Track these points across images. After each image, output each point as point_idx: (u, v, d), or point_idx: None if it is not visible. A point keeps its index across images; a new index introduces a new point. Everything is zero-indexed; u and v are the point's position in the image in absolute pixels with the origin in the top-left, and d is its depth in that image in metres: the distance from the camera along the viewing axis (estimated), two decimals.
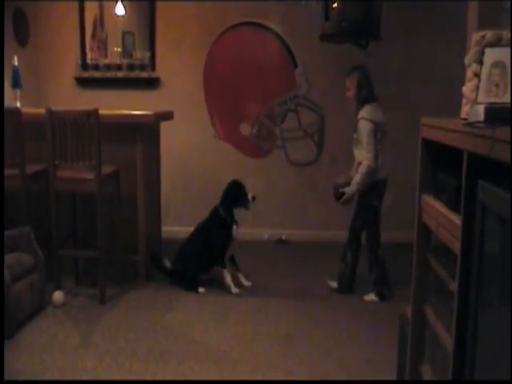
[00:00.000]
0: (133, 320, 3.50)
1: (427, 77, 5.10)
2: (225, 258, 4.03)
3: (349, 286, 3.99)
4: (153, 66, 5.33)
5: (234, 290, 3.93)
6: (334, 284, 4.05)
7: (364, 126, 3.71)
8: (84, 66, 5.35)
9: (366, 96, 3.78)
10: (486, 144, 1.34)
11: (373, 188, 3.80)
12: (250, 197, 4.02)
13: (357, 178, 3.73)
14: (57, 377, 2.79)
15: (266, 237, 5.33)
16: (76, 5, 5.26)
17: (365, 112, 3.74)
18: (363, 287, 3.97)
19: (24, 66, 4.77)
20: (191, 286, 3.98)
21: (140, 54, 5.32)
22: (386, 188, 3.89)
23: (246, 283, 4.09)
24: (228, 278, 3.97)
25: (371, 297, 3.89)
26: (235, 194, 4.05)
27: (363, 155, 3.72)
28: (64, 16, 5.31)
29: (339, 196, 3.87)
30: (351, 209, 4.01)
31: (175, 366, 2.93)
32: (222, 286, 4.08)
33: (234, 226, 4.04)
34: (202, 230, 4.16)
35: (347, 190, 3.80)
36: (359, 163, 3.79)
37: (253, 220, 5.42)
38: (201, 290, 3.97)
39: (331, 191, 3.99)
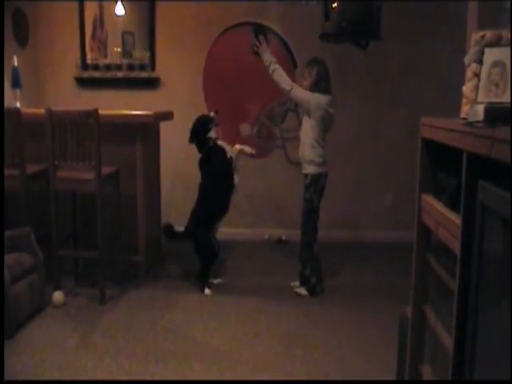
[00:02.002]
0: (133, 320, 3.50)
1: (427, 77, 5.10)
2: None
3: (319, 288, 4.00)
4: (152, 66, 5.33)
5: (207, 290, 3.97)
6: (302, 290, 4.02)
7: (309, 96, 3.79)
8: (84, 66, 5.35)
9: (321, 89, 3.83)
10: (486, 144, 1.34)
11: (314, 180, 3.84)
12: (212, 114, 4.08)
13: (273, 60, 3.84)
14: (56, 377, 2.79)
15: (266, 237, 5.33)
16: (76, 5, 5.26)
17: (318, 95, 3.81)
18: (365, 286, 3.97)
19: (24, 66, 4.77)
20: (209, 256, 4.01)
21: (140, 54, 5.32)
22: (326, 182, 3.92)
23: (215, 281, 4.12)
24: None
25: (300, 290, 3.95)
26: (197, 123, 4.07)
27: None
28: (64, 16, 5.31)
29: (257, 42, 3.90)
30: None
31: (175, 366, 2.93)
32: (221, 287, 4.09)
33: (219, 142, 4.06)
34: (201, 184, 4.13)
35: (262, 49, 3.86)
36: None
37: (253, 220, 5.43)
38: (207, 291, 3.95)
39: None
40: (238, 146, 4.10)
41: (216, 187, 4.07)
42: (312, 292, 3.93)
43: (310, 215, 3.90)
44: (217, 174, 4.06)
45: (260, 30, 3.94)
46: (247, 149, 4.11)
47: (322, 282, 3.98)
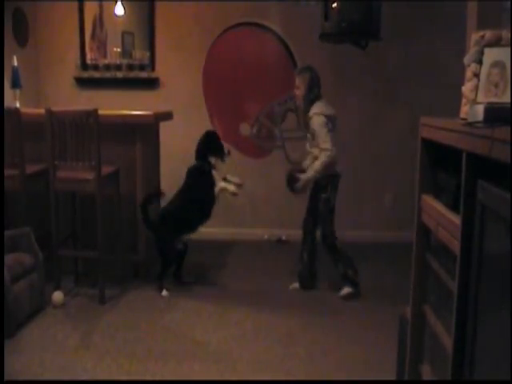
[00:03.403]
0: (132, 320, 3.50)
1: (427, 77, 5.10)
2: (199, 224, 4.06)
3: (311, 283, 4.04)
4: (152, 66, 5.33)
5: (165, 292, 3.93)
6: (296, 285, 4.06)
7: (317, 121, 3.74)
8: (83, 66, 5.35)
9: (315, 95, 3.83)
10: (486, 144, 1.34)
11: (329, 181, 3.81)
12: (226, 150, 4.05)
13: (316, 164, 3.73)
14: (56, 377, 2.79)
15: (266, 237, 5.33)
16: (75, 5, 5.26)
17: (316, 108, 3.79)
18: (364, 286, 3.96)
19: (23, 66, 4.77)
20: (160, 276, 3.97)
21: (139, 54, 5.32)
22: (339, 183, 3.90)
23: (237, 180, 4.10)
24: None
25: (346, 290, 3.90)
26: (210, 143, 4.04)
27: (321, 147, 3.72)
28: (63, 16, 5.31)
29: (293, 181, 3.85)
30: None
31: (175, 366, 2.93)
32: (221, 287, 4.09)
33: (213, 171, 4.02)
34: (182, 190, 4.08)
35: (303, 176, 3.80)
36: (315, 158, 3.79)
37: (253, 220, 5.43)
38: (164, 293, 3.92)
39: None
40: (222, 184, 4.03)
41: (195, 202, 4.04)
42: (355, 285, 3.89)
43: (329, 215, 3.86)
44: (198, 196, 4.04)
45: (291, 179, 3.90)
46: (231, 188, 4.03)
47: (358, 273, 3.93)
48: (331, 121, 3.81)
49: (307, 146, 3.94)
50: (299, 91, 3.88)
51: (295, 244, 5.18)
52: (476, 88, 1.75)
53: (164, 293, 3.91)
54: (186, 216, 4.02)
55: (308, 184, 3.84)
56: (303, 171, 3.86)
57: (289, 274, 4.25)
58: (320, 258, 4.06)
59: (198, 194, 4.03)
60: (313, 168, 3.75)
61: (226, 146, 4.16)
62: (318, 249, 4.02)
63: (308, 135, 3.90)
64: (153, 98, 5.26)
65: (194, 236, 4.14)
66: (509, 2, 2.82)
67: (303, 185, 3.82)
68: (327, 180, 3.81)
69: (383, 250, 4.94)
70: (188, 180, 4.08)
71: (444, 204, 1.87)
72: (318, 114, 3.77)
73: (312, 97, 3.82)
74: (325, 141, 3.70)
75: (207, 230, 5.18)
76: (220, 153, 4.04)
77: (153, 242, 4.04)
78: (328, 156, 3.69)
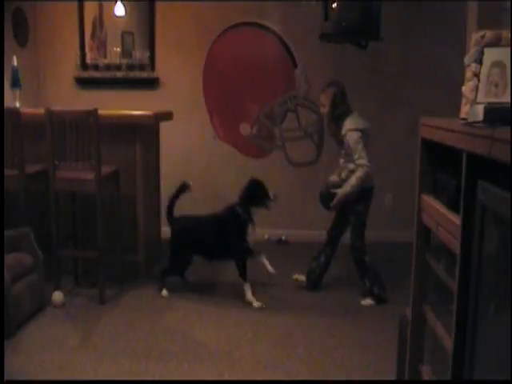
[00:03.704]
0: (132, 320, 3.50)
1: (427, 77, 5.10)
2: (246, 271, 3.83)
3: (315, 283, 4.05)
4: (152, 66, 5.33)
5: (257, 303, 3.75)
6: (302, 278, 4.09)
7: (352, 137, 3.67)
8: (83, 66, 5.35)
9: (342, 112, 3.75)
10: (486, 144, 1.34)
11: (363, 195, 3.75)
12: (271, 195, 3.87)
13: (352, 180, 3.68)
14: (56, 377, 2.79)
15: (266, 237, 5.33)
16: (75, 5, 5.26)
17: (349, 124, 3.72)
18: (356, 290, 3.97)
19: (23, 66, 4.77)
20: (164, 275, 3.94)
21: (139, 54, 5.31)
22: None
23: (271, 270, 3.87)
24: (249, 295, 3.78)
25: (368, 302, 3.85)
26: (256, 193, 3.85)
27: (358, 163, 3.67)
28: (63, 16, 5.31)
29: (328, 199, 3.79)
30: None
31: (175, 366, 2.93)
32: (221, 287, 4.09)
33: (250, 225, 3.84)
34: (212, 220, 3.94)
35: (340, 191, 3.73)
36: (351, 172, 3.74)
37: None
38: (164, 292, 3.90)
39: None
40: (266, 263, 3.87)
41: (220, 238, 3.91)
42: (378, 301, 3.83)
43: (361, 228, 3.81)
44: (224, 237, 3.89)
45: (325, 197, 3.86)
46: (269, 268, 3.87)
47: (385, 287, 3.86)
48: (365, 134, 3.74)
49: (341, 161, 3.86)
50: (324, 108, 3.81)
51: (295, 244, 5.19)
52: (476, 88, 1.75)
53: (164, 292, 3.90)
54: (205, 241, 3.93)
55: (344, 199, 3.74)
56: (336, 186, 3.80)
57: (289, 273, 4.24)
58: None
59: (226, 236, 3.87)
60: (350, 183, 3.68)
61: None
62: (337, 256, 4.02)
63: (342, 151, 3.81)
64: (153, 98, 5.26)
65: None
66: (509, 2, 2.82)
67: (340, 201, 3.74)
68: (361, 193, 3.73)
69: (383, 249, 4.94)
70: (222, 216, 3.92)
71: (444, 204, 1.87)
72: (352, 130, 3.68)
73: (338, 113, 3.74)
74: (361, 156, 3.65)
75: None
76: (265, 201, 3.86)
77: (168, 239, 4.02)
78: (365, 171, 3.65)
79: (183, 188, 4.05)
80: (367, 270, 3.85)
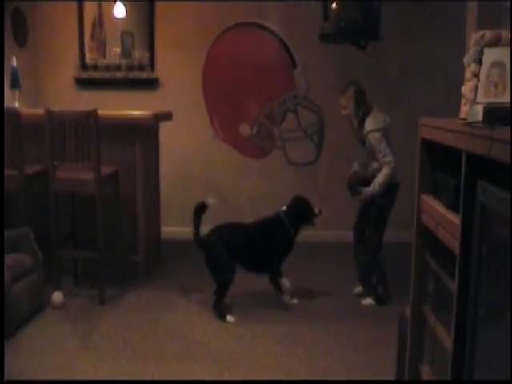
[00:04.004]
0: (132, 320, 3.50)
1: (426, 77, 5.10)
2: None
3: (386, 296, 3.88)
4: (152, 67, 5.33)
5: (294, 300, 3.77)
6: (359, 289, 3.96)
7: (374, 138, 3.66)
8: (83, 66, 5.35)
9: (365, 110, 3.73)
10: (485, 144, 1.34)
11: (389, 191, 3.72)
12: (316, 211, 3.81)
13: (380, 178, 3.66)
14: (56, 377, 2.78)
15: None
16: (75, 5, 5.26)
17: (370, 124, 3.69)
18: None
19: (23, 67, 4.77)
20: (222, 290, 3.60)
21: (139, 55, 5.31)
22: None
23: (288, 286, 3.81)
24: (287, 284, 3.75)
25: (368, 301, 3.84)
26: (302, 211, 3.78)
27: (383, 161, 3.66)
28: (63, 16, 5.31)
29: (355, 192, 3.80)
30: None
31: (175, 366, 2.93)
32: None
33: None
34: (260, 229, 3.78)
35: (367, 190, 3.71)
36: (375, 170, 3.72)
37: (253, 220, 5.42)
38: (229, 318, 3.52)
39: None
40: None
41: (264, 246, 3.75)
42: (379, 301, 3.81)
43: (381, 223, 3.79)
44: (268, 245, 3.76)
45: (353, 189, 3.83)
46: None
47: (388, 289, 3.84)
48: (386, 131, 3.71)
49: (365, 160, 3.85)
50: (347, 110, 3.77)
51: (295, 244, 5.18)
52: (476, 88, 1.75)
53: (229, 318, 3.53)
54: (248, 250, 3.74)
55: (370, 197, 3.72)
56: (362, 180, 3.78)
57: (289, 273, 4.24)
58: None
59: (273, 249, 3.76)
60: (377, 181, 3.66)
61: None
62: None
63: (366, 150, 3.79)
64: (153, 98, 5.26)
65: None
66: (509, 2, 2.82)
67: (367, 198, 3.73)
68: (387, 188, 3.70)
69: (383, 249, 4.93)
70: (272, 227, 3.78)
71: (444, 204, 1.87)
72: (372, 130, 3.66)
73: (362, 114, 3.71)
74: (385, 155, 3.64)
75: (207, 230, 5.19)
76: (311, 219, 3.80)
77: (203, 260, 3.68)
78: (391, 168, 3.63)
79: (202, 208, 3.67)
80: (377, 267, 3.83)
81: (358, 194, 3.78)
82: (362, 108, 3.73)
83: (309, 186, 5.33)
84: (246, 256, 3.72)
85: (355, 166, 3.94)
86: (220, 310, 3.57)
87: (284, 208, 3.82)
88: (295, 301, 3.79)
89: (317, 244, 5.10)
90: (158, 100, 5.23)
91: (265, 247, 3.73)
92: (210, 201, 3.69)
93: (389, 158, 3.65)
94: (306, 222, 3.80)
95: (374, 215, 3.80)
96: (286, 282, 3.79)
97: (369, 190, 3.71)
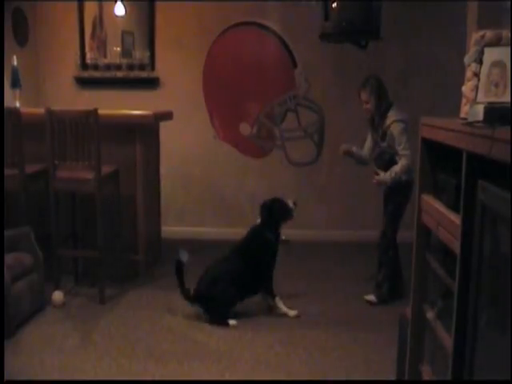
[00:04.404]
0: (133, 320, 3.50)
1: (427, 76, 5.10)
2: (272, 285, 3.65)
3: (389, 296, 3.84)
4: (152, 66, 5.33)
5: (293, 312, 3.60)
6: (372, 298, 3.86)
7: (398, 128, 3.65)
8: (83, 65, 5.35)
9: (387, 104, 3.74)
10: (486, 144, 1.34)
11: (405, 186, 3.70)
12: (291, 205, 3.75)
13: (397, 168, 3.65)
14: (56, 377, 2.78)
15: None
16: (75, 4, 5.25)
17: (394, 115, 3.69)
18: (366, 286, 3.97)
19: (23, 66, 4.76)
20: (222, 317, 3.48)
21: (139, 54, 5.31)
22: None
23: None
24: (283, 307, 3.60)
25: (371, 298, 3.83)
26: (279, 211, 3.70)
27: (401, 153, 3.64)
28: (63, 16, 5.31)
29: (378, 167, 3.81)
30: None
31: (175, 366, 2.93)
32: None
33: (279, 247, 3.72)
34: (242, 253, 3.67)
35: (383, 176, 3.70)
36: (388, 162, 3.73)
37: (253, 220, 5.41)
38: (232, 322, 3.46)
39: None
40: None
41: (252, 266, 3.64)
42: (381, 300, 3.79)
43: (396, 218, 3.79)
44: (256, 261, 3.65)
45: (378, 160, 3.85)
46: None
47: (399, 287, 3.80)
48: (408, 126, 3.70)
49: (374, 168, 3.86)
50: (369, 105, 3.76)
51: (295, 244, 5.19)
52: (476, 88, 1.75)
53: (232, 322, 3.47)
54: (241, 283, 3.57)
55: (385, 183, 3.74)
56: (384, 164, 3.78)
57: (289, 273, 4.24)
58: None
59: (264, 266, 3.64)
60: (394, 170, 3.66)
61: (291, 200, 3.79)
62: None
63: (383, 144, 3.76)
64: (153, 98, 5.26)
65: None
66: (509, 2, 2.82)
67: (381, 182, 3.73)
68: (404, 184, 3.69)
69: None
70: (253, 246, 3.70)
71: (444, 204, 1.86)
72: (398, 120, 3.65)
73: (384, 107, 3.72)
74: (405, 148, 3.63)
75: (207, 230, 5.19)
76: (289, 214, 3.73)
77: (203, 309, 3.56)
78: (408, 161, 3.61)
79: (180, 266, 3.53)
80: (386, 263, 3.82)
81: (377, 173, 3.77)
82: (384, 102, 3.74)
83: (309, 186, 5.34)
84: (241, 286, 3.57)
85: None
86: (224, 323, 3.47)
87: (258, 221, 3.74)
88: (294, 312, 3.62)
89: (316, 244, 5.11)
90: (159, 99, 5.24)
91: (256, 266, 3.63)
92: (183, 257, 3.55)
93: (408, 152, 3.63)
94: (283, 220, 3.75)
95: (390, 210, 3.82)
96: (281, 306, 3.62)
97: (383, 176, 3.70)
